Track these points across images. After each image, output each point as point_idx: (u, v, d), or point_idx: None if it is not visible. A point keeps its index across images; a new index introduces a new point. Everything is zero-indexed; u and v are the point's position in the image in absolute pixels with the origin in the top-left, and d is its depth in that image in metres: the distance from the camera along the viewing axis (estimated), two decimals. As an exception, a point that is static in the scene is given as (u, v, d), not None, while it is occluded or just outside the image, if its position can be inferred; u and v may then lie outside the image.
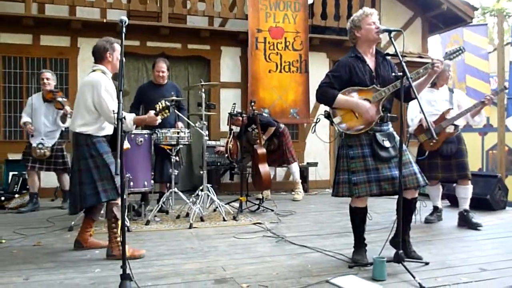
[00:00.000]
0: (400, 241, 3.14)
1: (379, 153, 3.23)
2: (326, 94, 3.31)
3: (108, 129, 3.60)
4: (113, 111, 3.23)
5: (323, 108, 3.48)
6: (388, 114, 3.33)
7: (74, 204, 3.53)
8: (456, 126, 4.73)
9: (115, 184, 3.41)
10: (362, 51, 3.38)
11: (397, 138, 3.35)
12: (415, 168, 3.30)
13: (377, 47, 3.50)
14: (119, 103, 2.43)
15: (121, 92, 2.45)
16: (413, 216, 3.57)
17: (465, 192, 4.74)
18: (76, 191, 3.47)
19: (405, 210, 3.21)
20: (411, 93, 3.22)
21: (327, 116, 3.39)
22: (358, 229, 3.43)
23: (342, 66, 3.33)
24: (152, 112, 3.65)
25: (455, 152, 4.69)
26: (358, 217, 3.41)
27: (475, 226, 4.55)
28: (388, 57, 3.45)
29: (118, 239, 3.43)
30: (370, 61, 3.37)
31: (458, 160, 4.69)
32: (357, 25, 3.36)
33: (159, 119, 3.68)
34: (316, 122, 3.64)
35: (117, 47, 3.61)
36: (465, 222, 4.66)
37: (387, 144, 3.25)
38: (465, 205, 4.72)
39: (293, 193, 6.97)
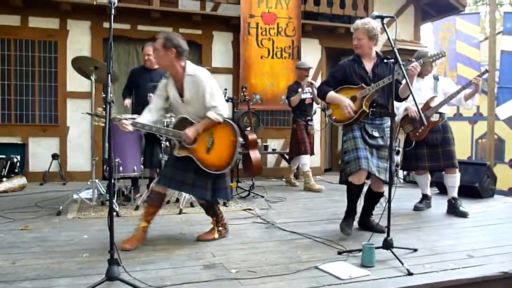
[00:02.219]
0: (388, 228, 3.15)
1: (366, 139, 3.66)
2: (321, 91, 3.91)
3: None
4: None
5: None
6: (381, 110, 3.70)
7: None
8: (441, 114, 4.71)
9: None
10: (361, 55, 3.80)
11: (388, 135, 3.58)
12: (387, 165, 3.65)
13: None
14: (107, 86, 2.39)
15: (109, 75, 2.41)
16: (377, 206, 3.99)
17: (453, 180, 4.77)
18: None
19: (373, 200, 3.94)
20: (403, 90, 3.72)
21: (323, 109, 3.78)
22: (352, 201, 3.78)
23: (339, 68, 3.86)
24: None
25: (442, 141, 4.69)
26: (353, 192, 3.76)
27: (462, 215, 4.59)
28: (389, 60, 3.57)
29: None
30: (368, 63, 3.78)
31: (445, 148, 4.69)
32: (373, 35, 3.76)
33: None
34: (314, 113, 4.11)
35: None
36: (453, 210, 4.69)
37: (375, 134, 3.68)
38: (454, 193, 4.75)
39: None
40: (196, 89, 3.35)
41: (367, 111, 3.66)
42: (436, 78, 4.85)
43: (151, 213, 3.49)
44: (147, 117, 3.41)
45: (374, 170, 3.60)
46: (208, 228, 3.74)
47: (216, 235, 3.66)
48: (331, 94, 3.80)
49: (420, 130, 4.68)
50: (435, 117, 4.66)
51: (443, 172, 4.96)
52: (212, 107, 3.32)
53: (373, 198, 3.94)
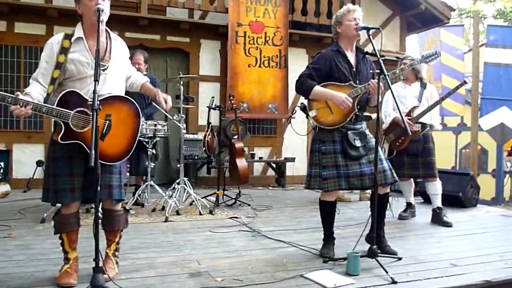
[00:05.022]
0: (375, 236, 3.19)
1: (349, 152, 3.28)
2: (303, 85, 3.33)
3: None
4: None
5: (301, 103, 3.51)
6: (363, 114, 3.39)
7: None
8: (423, 124, 4.74)
9: None
10: (343, 46, 3.41)
11: (370, 136, 3.43)
12: (385, 165, 3.37)
13: (357, 44, 3.54)
14: (94, 92, 2.38)
15: (96, 82, 2.40)
16: (387, 211, 3.64)
17: (434, 188, 4.80)
18: None
19: (378, 205, 3.25)
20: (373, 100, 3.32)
21: (303, 108, 3.41)
22: (327, 222, 3.50)
23: (322, 59, 3.35)
24: None
25: (422, 151, 4.72)
26: (327, 211, 3.48)
27: (446, 224, 4.63)
28: (368, 56, 3.50)
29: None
30: (351, 57, 3.41)
31: (425, 159, 4.73)
32: (339, 20, 3.42)
33: None
34: (293, 113, 3.68)
35: None
36: (437, 220, 4.74)
37: (357, 143, 3.30)
38: (437, 201, 4.79)
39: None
40: None
41: (358, 114, 3.33)
42: (423, 86, 4.83)
43: (75, 239, 2.81)
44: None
45: (363, 183, 3.31)
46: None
47: (116, 270, 2.90)
48: (318, 89, 3.27)
49: (400, 140, 4.73)
50: (416, 127, 4.71)
51: (411, 180, 5.00)
52: None
53: (379, 203, 3.31)
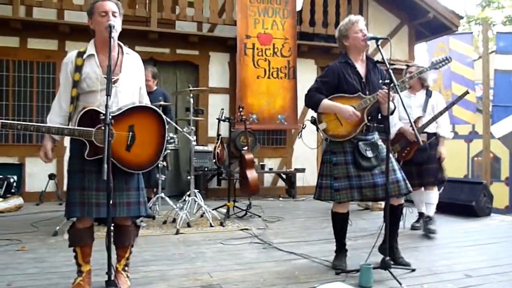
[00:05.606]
0: (387, 247, 3.16)
1: (360, 162, 3.25)
2: (312, 99, 3.34)
3: None
4: None
5: (310, 114, 3.51)
6: (375, 124, 3.36)
7: None
8: (428, 134, 4.66)
9: None
10: (353, 58, 3.38)
11: (382, 147, 3.38)
12: (399, 175, 3.32)
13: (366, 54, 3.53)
14: (106, 107, 2.41)
15: (108, 97, 2.43)
16: (400, 223, 3.60)
17: (430, 197, 4.69)
18: None
19: (391, 217, 3.20)
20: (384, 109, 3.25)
21: (313, 122, 3.41)
22: (339, 234, 3.48)
23: (331, 72, 3.34)
24: None
25: (426, 159, 4.65)
26: (339, 223, 3.45)
27: (427, 231, 4.52)
28: (378, 64, 3.49)
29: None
30: (361, 68, 3.38)
31: (428, 166, 4.65)
32: (344, 34, 3.38)
33: None
34: (303, 128, 3.68)
35: None
36: (423, 228, 4.64)
37: (369, 154, 3.27)
38: (430, 211, 4.67)
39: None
40: None
41: (369, 124, 3.30)
42: (428, 94, 4.76)
43: (88, 253, 2.83)
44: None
45: (376, 194, 3.26)
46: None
47: (129, 283, 2.91)
48: (326, 102, 3.27)
49: (406, 150, 4.67)
50: (422, 137, 4.62)
51: (422, 189, 4.91)
52: None
53: (393, 214, 3.31)
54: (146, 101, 2.97)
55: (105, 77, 2.58)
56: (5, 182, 6.35)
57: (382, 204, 5.24)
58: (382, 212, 3.89)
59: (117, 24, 2.68)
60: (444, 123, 4.78)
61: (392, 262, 3.12)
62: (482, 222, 5.46)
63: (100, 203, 2.64)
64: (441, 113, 4.62)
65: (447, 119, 4.84)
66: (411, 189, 3.38)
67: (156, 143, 2.82)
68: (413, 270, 3.29)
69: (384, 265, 3.06)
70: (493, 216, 5.84)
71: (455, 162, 4.86)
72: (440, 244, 4.28)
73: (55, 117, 2.70)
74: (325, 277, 3.16)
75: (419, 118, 4.66)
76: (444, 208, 5.90)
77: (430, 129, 4.69)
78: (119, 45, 2.82)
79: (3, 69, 6.93)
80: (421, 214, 5.01)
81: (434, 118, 4.62)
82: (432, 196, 4.70)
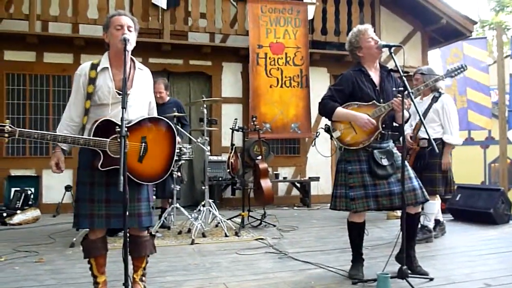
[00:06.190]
0: (405, 256, 3.13)
1: (375, 171, 3.23)
2: (325, 107, 3.34)
3: None
4: None
5: (324, 122, 3.51)
6: (389, 132, 3.34)
7: None
8: (429, 140, 4.54)
9: None
10: (367, 66, 3.39)
11: (398, 155, 3.35)
12: (415, 184, 3.29)
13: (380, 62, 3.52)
14: (122, 120, 2.43)
15: (124, 110, 2.46)
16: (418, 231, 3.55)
17: (428, 207, 4.55)
18: None
19: (408, 225, 3.17)
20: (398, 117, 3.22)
21: (327, 130, 3.40)
22: (355, 243, 3.43)
23: (345, 80, 3.34)
24: None
25: (426, 166, 4.54)
26: (355, 232, 3.41)
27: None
28: (392, 72, 3.48)
29: None
30: (375, 76, 3.38)
31: (427, 174, 4.53)
32: (357, 45, 3.38)
33: None
34: (316, 136, 3.67)
35: None
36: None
37: (385, 162, 3.25)
38: (425, 221, 4.55)
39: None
40: None
41: (383, 132, 3.28)
42: (434, 100, 4.57)
43: (103, 264, 2.85)
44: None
45: (393, 203, 3.23)
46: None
47: None
48: (340, 110, 3.27)
49: (407, 158, 4.57)
50: (423, 143, 4.55)
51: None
52: None
53: (410, 223, 3.29)
54: (155, 115, 2.99)
55: (117, 91, 2.64)
56: (23, 194, 6.44)
57: (399, 212, 5.24)
58: (398, 221, 3.83)
59: (132, 38, 2.72)
60: (450, 128, 4.61)
61: (409, 271, 3.09)
62: (501, 229, 5.36)
63: (110, 214, 2.67)
64: (424, 114, 4.47)
65: (455, 124, 4.66)
66: (428, 197, 3.35)
67: (167, 154, 2.85)
68: (431, 279, 3.24)
69: (401, 275, 3.02)
70: (512, 223, 5.75)
71: (471, 168, 4.77)
72: (458, 253, 4.21)
73: (66, 128, 2.72)
74: (341, 287, 3.13)
75: (418, 124, 4.58)
76: (461, 215, 5.84)
77: (431, 134, 4.57)
78: (131, 59, 2.86)
79: (20, 83, 7.07)
80: (437, 222, 4.93)
81: (421, 122, 4.47)
82: (429, 205, 4.51)
